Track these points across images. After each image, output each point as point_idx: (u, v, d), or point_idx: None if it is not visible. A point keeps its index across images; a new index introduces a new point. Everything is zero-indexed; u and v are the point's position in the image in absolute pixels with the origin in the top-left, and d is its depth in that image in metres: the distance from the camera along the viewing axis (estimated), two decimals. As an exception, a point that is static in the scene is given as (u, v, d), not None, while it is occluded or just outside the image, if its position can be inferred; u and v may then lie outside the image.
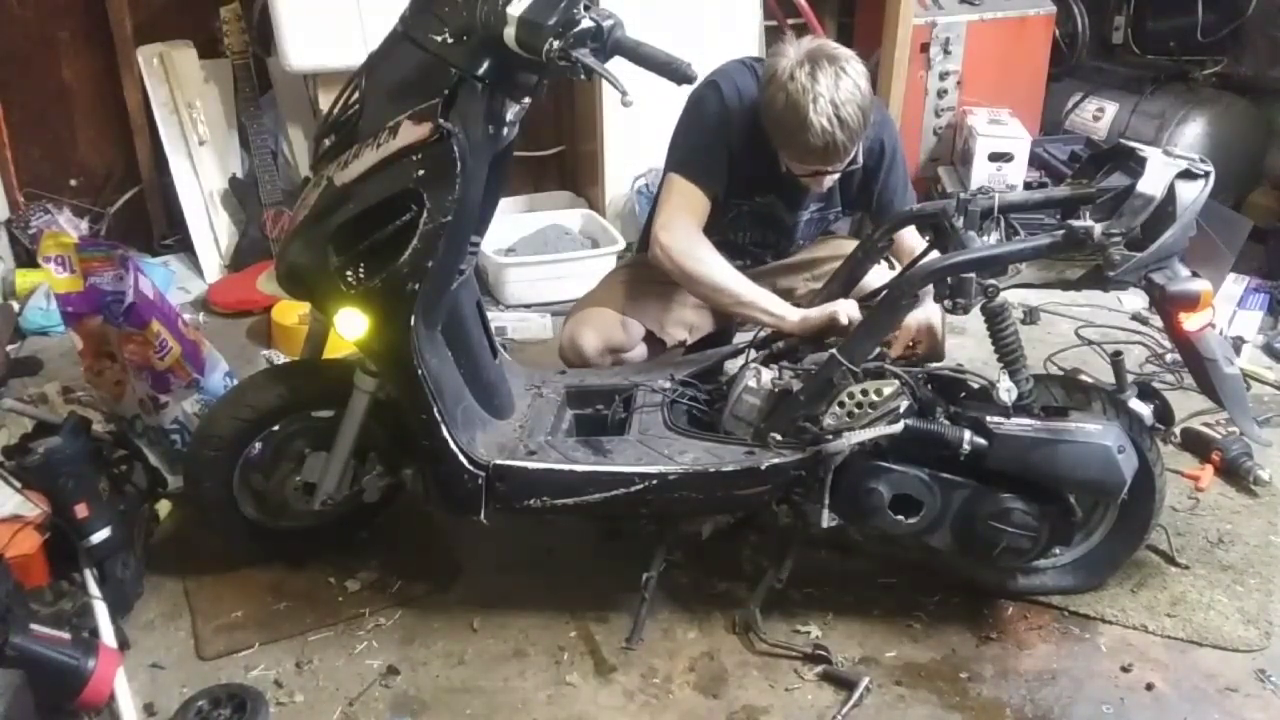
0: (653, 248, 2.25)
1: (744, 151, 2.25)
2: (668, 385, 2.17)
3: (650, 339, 2.46)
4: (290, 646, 1.96)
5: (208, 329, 3.21)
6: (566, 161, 4.14)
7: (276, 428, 2.04)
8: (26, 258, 3.49)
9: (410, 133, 1.72)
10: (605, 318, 2.39)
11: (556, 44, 1.62)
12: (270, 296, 3.24)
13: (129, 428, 2.40)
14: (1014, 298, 1.94)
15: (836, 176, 2.25)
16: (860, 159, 2.23)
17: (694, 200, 2.23)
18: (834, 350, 1.90)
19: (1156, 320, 2.98)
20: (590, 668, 1.92)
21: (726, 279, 2.19)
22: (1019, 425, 1.83)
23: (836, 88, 2.05)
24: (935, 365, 2.05)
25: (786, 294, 2.37)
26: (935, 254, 2.04)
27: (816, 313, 2.11)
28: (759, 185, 2.34)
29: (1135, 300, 3.28)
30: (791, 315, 2.14)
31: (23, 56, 3.53)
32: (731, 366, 2.24)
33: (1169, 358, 2.96)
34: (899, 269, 2.22)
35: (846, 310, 2.08)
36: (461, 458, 1.89)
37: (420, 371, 1.83)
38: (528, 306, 3.40)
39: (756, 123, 2.20)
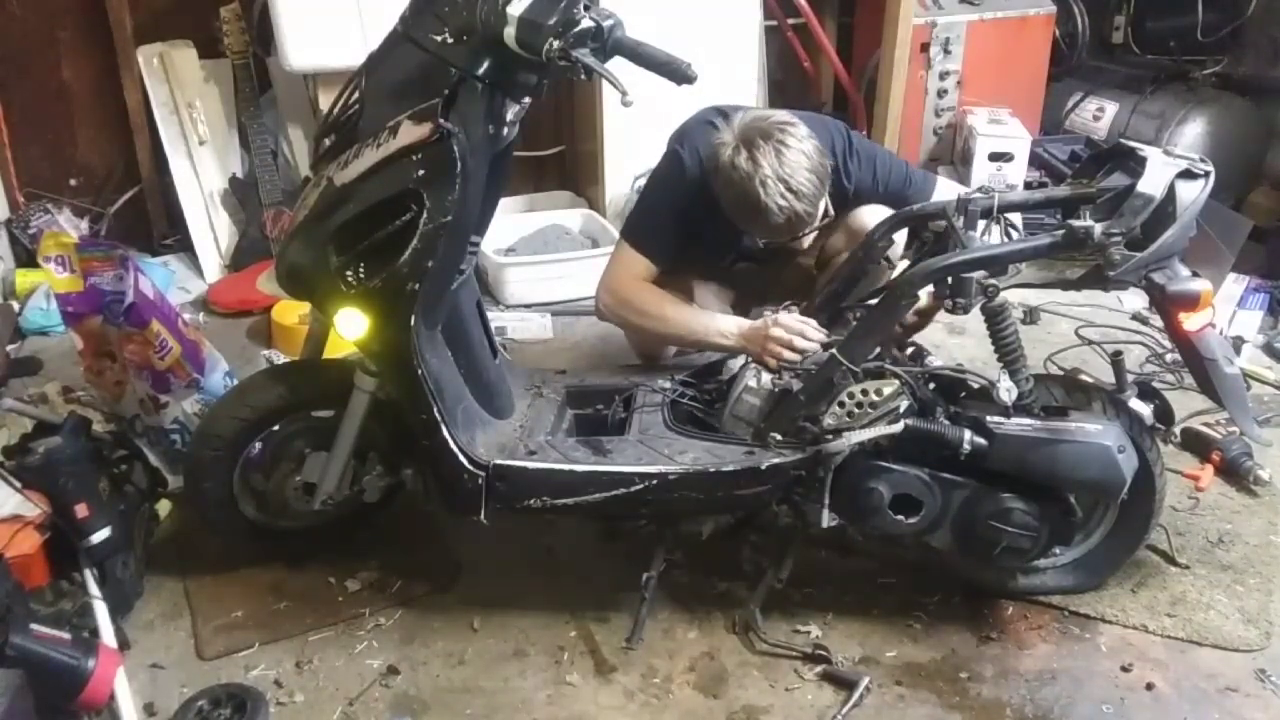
0: (597, 306, 2.33)
1: (711, 213, 2.25)
2: (668, 385, 2.17)
3: None
4: (290, 646, 1.96)
5: (208, 329, 3.21)
6: (566, 161, 4.14)
7: (276, 428, 2.05)
8: (26, 258, 3.49)
9: (410, 133, 1.72)
10: None
11: (556, 44, 1.62)
12: (270, 296, 3.24)
13: (129, 428, 2.41)
14: (1014, 298, 1.94)
15: (814, 235, 2.27)
16: (832, 210, 2.24)
17: (638, 267, 2.29)
18: (834, 350, 1.90)
19: (1156, 320, 2.99)
20: (590, 668, 1.92)
21: (667, 317, 2.25)
22: (1019, 425, 1.83)
23: (780, 163, 2.05)
24: (935, 365, 2.05)
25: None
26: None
27: (757, 325, 2.11)
28: (738, 239, 2.37)
29: (1135, 300, 3.28)
30: (731, 331, 2.17)
31: (23, 56, 3.53)
32: (731, 366, 2.24)
33: (1169, 358, 2.96)
34: (899, 269, 2.22)
35: (787, 326, 2.06)
36: (461, 458, 1.89)
37: (420, 371, 1.83)
38: (528, 306, 3.40)
39: None
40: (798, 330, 2.06)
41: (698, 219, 2.28)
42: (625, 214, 3.64)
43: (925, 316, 2.16)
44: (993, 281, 1.83)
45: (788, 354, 2.04)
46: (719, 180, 2.13)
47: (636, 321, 2.32)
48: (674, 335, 2.31)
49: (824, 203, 2.17)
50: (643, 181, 3.55)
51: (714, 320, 2.24)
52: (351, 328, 1.84)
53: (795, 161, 2.06)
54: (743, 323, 2.19)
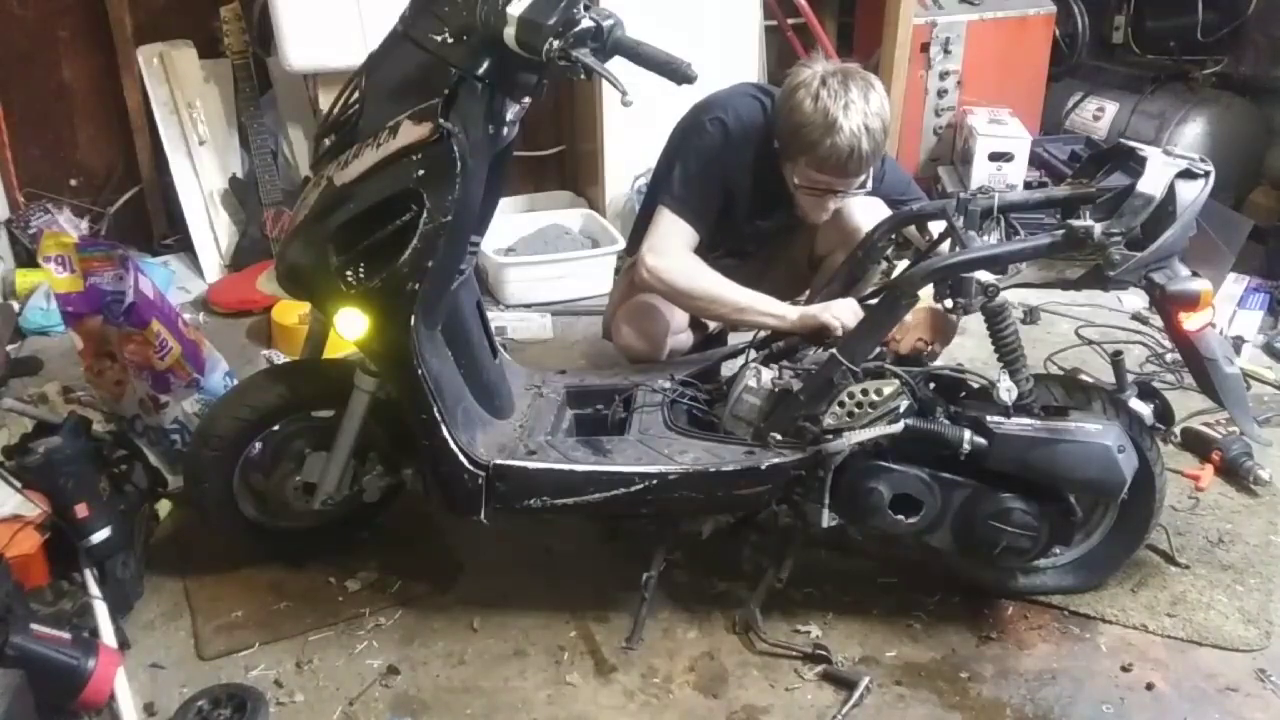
0: (639, 271, 2.23)
1: (746, 181, 2.26)
2: (668, 385, 2.17)
3: (692, 324, 2.51)
4: (290, 646, 1.96)
5: (208, 329, 3.21)
6: (566, 161, 4.14)
7: (276, 428, 2.04)
8: (26, 258, 3.49)
9: (410, 132, 1.72)
10: (654, 305, 2.38)
11: (556, 44, 1.62)
12: (270, 296, 3.24)
13: (129, 428, 2.41)
14: (1014, 298, 1.94)
15: (839, 203, 2.25)
16: (870, 184, 2.24)
17: (683, 232, 2.23)
18: (834, 350, 1.90)
19: (1156, 320, 2.99)
20: (590, 668, 1.92)
21: (722, 289, 2.20)
22: (1019, 425, 1.83)
23: (866, 100, 2.09)
24: (935, 365, 2.05)
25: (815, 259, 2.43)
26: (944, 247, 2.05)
27: (817, 309, 2.12)
28: (761, 212, 2.35)
29: (1135, 300, 3.28)
30: (791, 314, 2.15)
31: (23, 56, 3.53)
32: (731, 366, 2.24)
33: (1169, 358, 2.96)
34: (899, 268, 2.22)
35: (841, 315, 2.08)
36: (461, 458, 1.89)
37: (420, 371, 1.83)
38: (528, 306, 3.40)
39: (761, 151, 2.21)
40: (844, 321, 2.09)
41: (735, 186, 2.27)
42: (625, 214, 3.69)
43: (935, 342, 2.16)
44: (993, 281, 1.83)
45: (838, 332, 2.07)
46: (797, 96, 2.11)
47: (686, 287, 2.21)
48: (724, 301, 2.21)
49: (870, 172, 2.19)
50: (643, 182, 3.59)
51: (763, 298, 2.20)
52: (351, 328, 1.84)
53: (878, 107, 2.11)
54: (796, 307, 2.18)
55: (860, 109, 2.08)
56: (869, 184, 2.23)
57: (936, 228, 2.18)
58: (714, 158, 2.24)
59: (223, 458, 2.01)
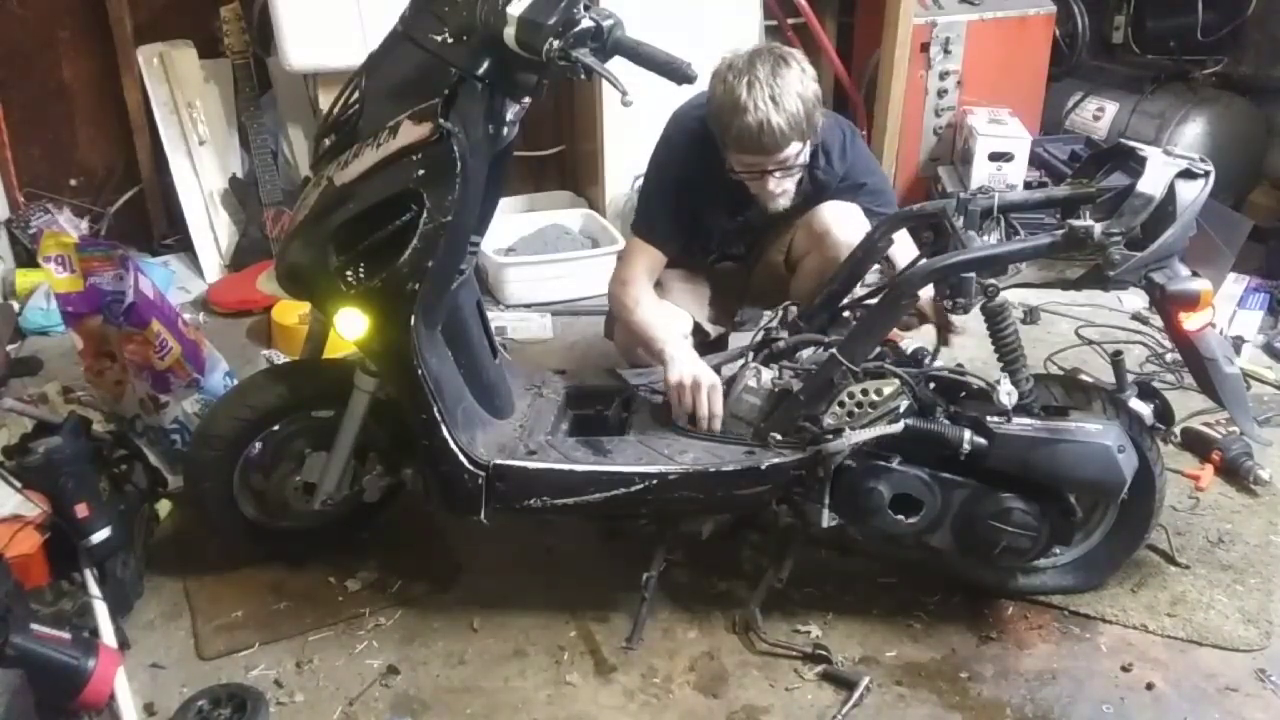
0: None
1: (703, 187, 2.28)
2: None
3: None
4: (290, 646, 1.96)
5: (208, 329, 3.20)
6: (566, 161, 4.14)
7: (276, 428, 2.04)
8: (26, 258, 3.49)
9: (410, 132, 1.72)
10: None
11: (556, 44, 1.62)
12: (270, 296, 3.24)
13: (129, 428, 2.41)
14: (1014, 298, 1.94)
15: (789, 187, 2.22)
16: (805, 158, 2.21)
17: (646, 256, 2.33)
18: (834, 350, 1.90)
19: (1156, 320, 2.98)
20: (590, 668, 1.92)
21: (644, 328, 2.23)
22: (1019, 425, 1.83)
23: (774, 75, 2.08)
24: (935, 365, 2.05)
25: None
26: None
27: (674, 372, 2.04)
28: (733, 209, 2.37)
29: (1135, 300, 3.28)
30: (668, 368, 2.07)
31: (23, 56, 3.53)
32: (731, 367, 2.24)
33: (1169, 358, 2.96)
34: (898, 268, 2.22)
35: (692, 394, 2.01)
36: (461, 458, 1.89)
37: (420, 371, 1.83)
38: (528, 306, 3.40)
39: (708, 154, 2.23)
40: (705, 403, 2.00)
41: (695, 194, 2.30)
42: (625, 214, 3.69)
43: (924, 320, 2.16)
44: (993, 281, 1.83)
45: (688, 406, 2.00)
46: (712, 85, 2.13)
47: (619, 314, 2.36)
48: (637, 335, 2.27)
49: (804, 146, 2.16)
50: (643, 181, 3.59)
51: (670, 339, 2.15)
52: (351, 328, 1.84)
53: (788, 80, 2.08)
54: (685, 356, 2.09)
55: (766, 84, 2.06)
56: (804, 156, 2.19)
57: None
58: (663, 172, 2.32)
59: (223, 458, 2.01)
